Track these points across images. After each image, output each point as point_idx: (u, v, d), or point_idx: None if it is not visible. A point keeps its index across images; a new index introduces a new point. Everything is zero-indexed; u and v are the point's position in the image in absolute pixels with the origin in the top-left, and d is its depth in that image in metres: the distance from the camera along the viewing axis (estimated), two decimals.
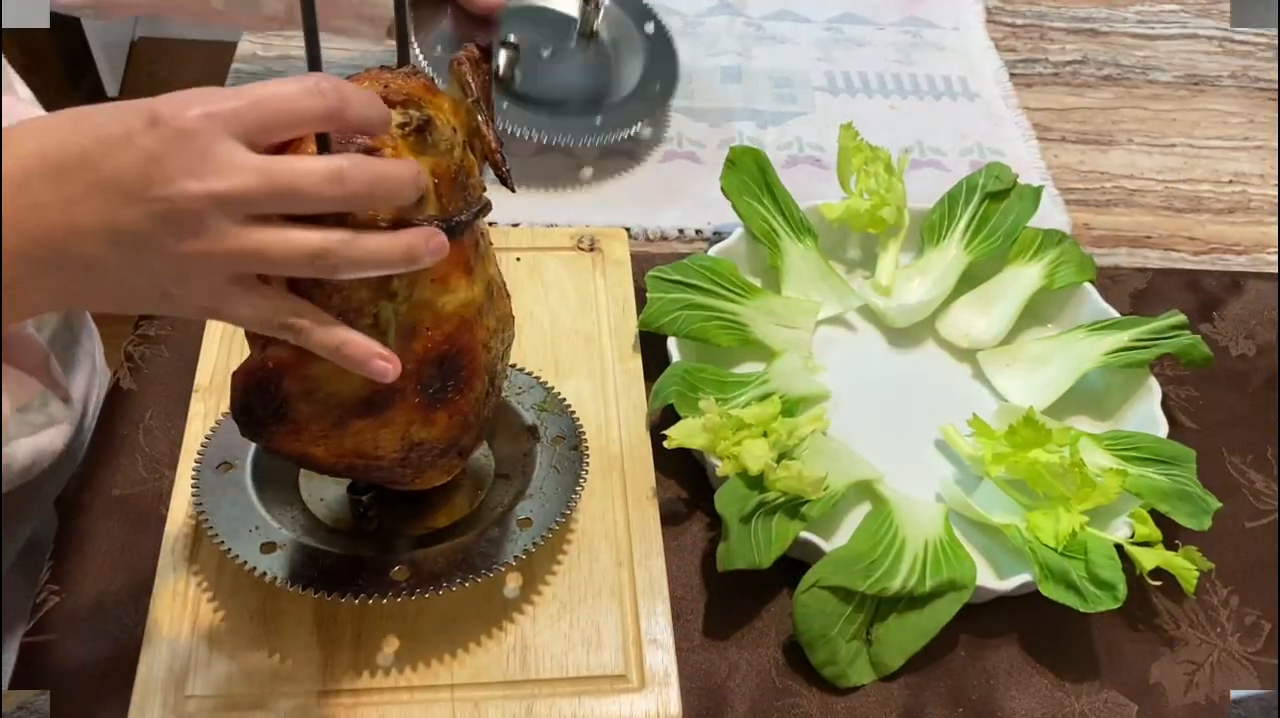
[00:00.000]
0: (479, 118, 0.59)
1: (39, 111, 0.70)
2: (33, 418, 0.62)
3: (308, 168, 0.47)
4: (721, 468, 0.73)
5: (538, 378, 0.78)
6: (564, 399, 0.77)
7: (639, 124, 1.01)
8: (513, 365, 0.78)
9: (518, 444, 0.74)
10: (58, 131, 0.47)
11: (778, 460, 0.74)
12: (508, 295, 0.65)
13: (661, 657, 0.69)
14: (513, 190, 0.64)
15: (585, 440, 0.74)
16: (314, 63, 0.50)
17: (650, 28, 1.08)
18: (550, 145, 0.97)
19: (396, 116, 0.55)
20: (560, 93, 1.01)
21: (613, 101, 1.02)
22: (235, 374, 0.57)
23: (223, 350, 0.81)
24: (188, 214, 0.46)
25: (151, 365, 0.82)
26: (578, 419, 0.75)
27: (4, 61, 0.68)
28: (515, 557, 0.66)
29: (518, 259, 0.89)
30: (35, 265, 0.48)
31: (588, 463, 0.73)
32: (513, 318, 0.65)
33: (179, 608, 0.68)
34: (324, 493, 0.70)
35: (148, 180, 0.45)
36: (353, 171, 0.48)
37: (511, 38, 0.98)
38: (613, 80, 1.04)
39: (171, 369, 0.82)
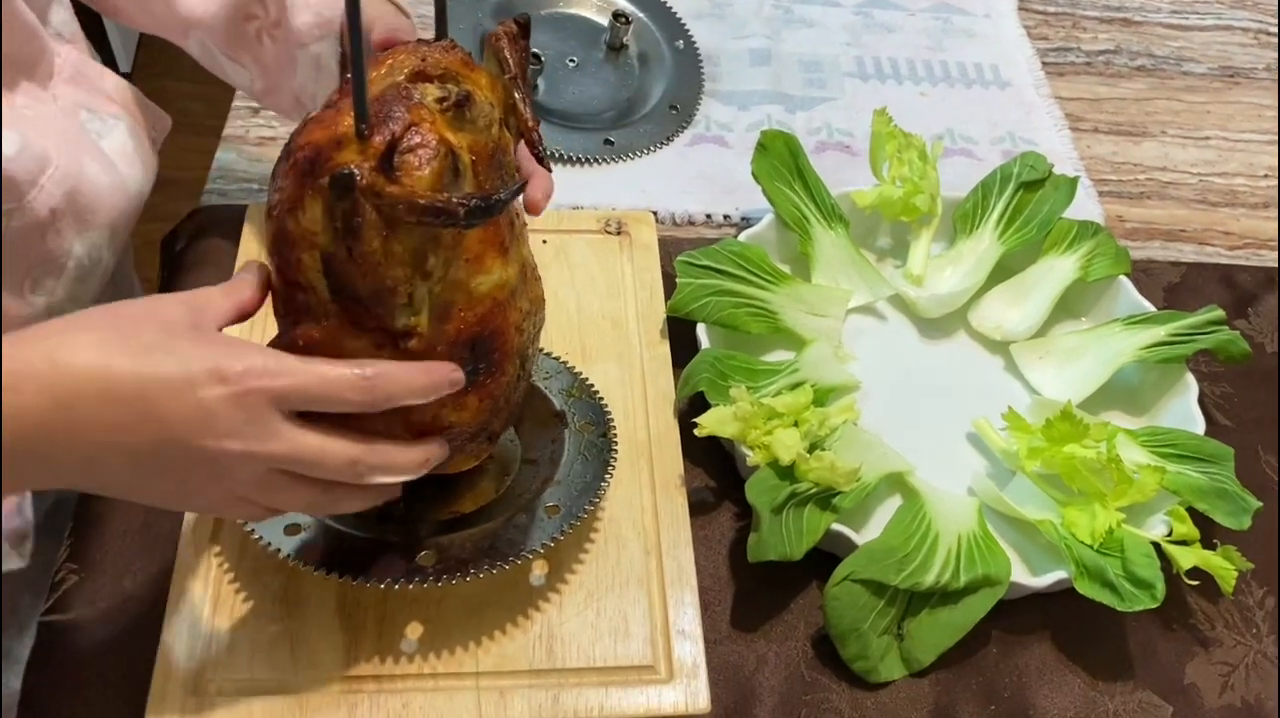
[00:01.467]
0: (516, 95, 0.58)
1: (73, 50, 0.69)
2: None
3: (330, 449, 0.52)
4: (752, 458, 0.72)
5: (565, 363, 0.77)
6: (592, 385, 0.75)
7: (650, 147, 1.00)
8: (540, 349, 0.77)
9: (545, 430, 0.73)
10: (120, 359, 0.48)
11: (809, 451, 0.72)
12: (539, 278, 0.63)
13: (690, 648, 0.67)
14: (549, 171, 0.62)
15: (614, 427, 0.73)
16: (357, 56, 0.49)
17: (680, 44, 1.07)
18: (563, 158, 0.97)
19: (434, 91, 0.53)
20: (581, 105, 1.01)
21: (631, 119, 1.01)
22: None
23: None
24: (224, 465, 0.51)
25: None
26: (606, 405, 0.74)
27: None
28: (543, 544, 0.65)
29: (544, 241, 0.88)
30: (59, 469, 0.50)
31: (616, 450, 0.71)
32: (544, 300, 0.64)
33: (200, 589, 0.67)
34: None
35: (200, 432, 0.49)
36: (376, 398, 0.52)
37: (536, 50, 0.99)
38: (634, 96, 1.04)
39: None
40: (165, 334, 0.50)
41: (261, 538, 0.64)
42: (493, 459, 0.71)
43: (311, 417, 0.52)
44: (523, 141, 0.60)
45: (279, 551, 0.63)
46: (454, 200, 0.50)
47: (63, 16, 0.68)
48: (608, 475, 0.70)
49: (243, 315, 0.55)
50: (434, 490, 0.68)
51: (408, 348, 0.54)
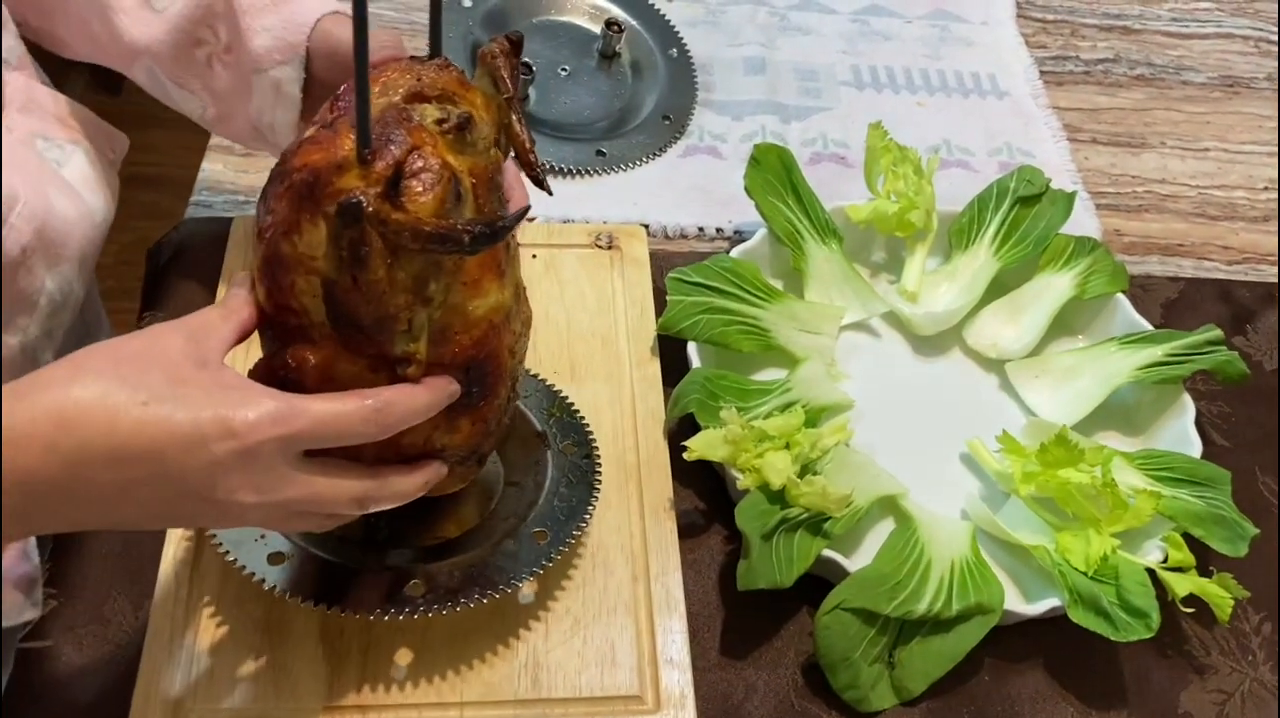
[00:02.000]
0: (512, 115, 0.56)
1: (22, 77, 0.67)
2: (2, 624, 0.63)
3: (341, 488, 0.53)
4: (742, 481, 0.71)
5: (543, 380, 0.76)
6: (571, 403, 0.75)
7: (643, 158, 0.99)
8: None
9: (528, 451, 0.72)
10: (128, 415, 0.47)
11: (800, 474, 0.71)
12: (528, 298, 0.62)
13: (678, 678, 0.66)
14: (549, 194, 0.61)
15: (597, 448, 0.72)
16: (361, 79, 0.48)
17: (674, 53, 1.06)
18: (554, 169, 0.95)
19: (433, 112, 0.52)
20: (573, 115, 0.99)
21: (624, 129, 1.00)
22: (252, 373, 0.54)
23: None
24: (236, 514, 0.51)
25: None
26: (587, 425, 0.73)
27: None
28: (531, 572, 0.64)
29: (534, 256, 0.87)
30: (70, 521, 0.51)
31: (600, 473, 0.70)
32: (531, 321, 0.63)
33: (181, 616, 0.66)
34: None
35: (212, 486, 0.49)
36: (385, 427, 0.52)
37: (527, 60, 0.97)
38: (627, 106, 1.02)
39: None
40: (171, 379, 0.48)
41: (245, 568, 0.63)
42: (475, 482, 0.70)
43: (317, 450, 0.52)
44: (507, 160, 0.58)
45: (263, 581, 0.62)
46: (459, 227, 0.49)
47: (10, 43, 0.66)
48: (593, 499, 0.69)
49: (243, 337, 0.54)
50: (418, 515, 0.67)
51: (405, 374, 0.53)
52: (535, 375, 0.76)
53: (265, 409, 0.49)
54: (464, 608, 0.62)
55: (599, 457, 0.71)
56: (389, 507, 0.56)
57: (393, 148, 0.50)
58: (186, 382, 0.49)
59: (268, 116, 0.71)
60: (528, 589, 0.68)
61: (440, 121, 0.52)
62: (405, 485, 0.56)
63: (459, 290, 0.54)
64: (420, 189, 0.50)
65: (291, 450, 0.50)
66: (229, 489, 0.49)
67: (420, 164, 0.50)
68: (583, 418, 0.74)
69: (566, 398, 0.75)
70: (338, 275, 0.51)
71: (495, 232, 0.49)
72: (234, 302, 0.54)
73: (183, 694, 0.63)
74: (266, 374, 0.54)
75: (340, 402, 0.51)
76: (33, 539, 0.59)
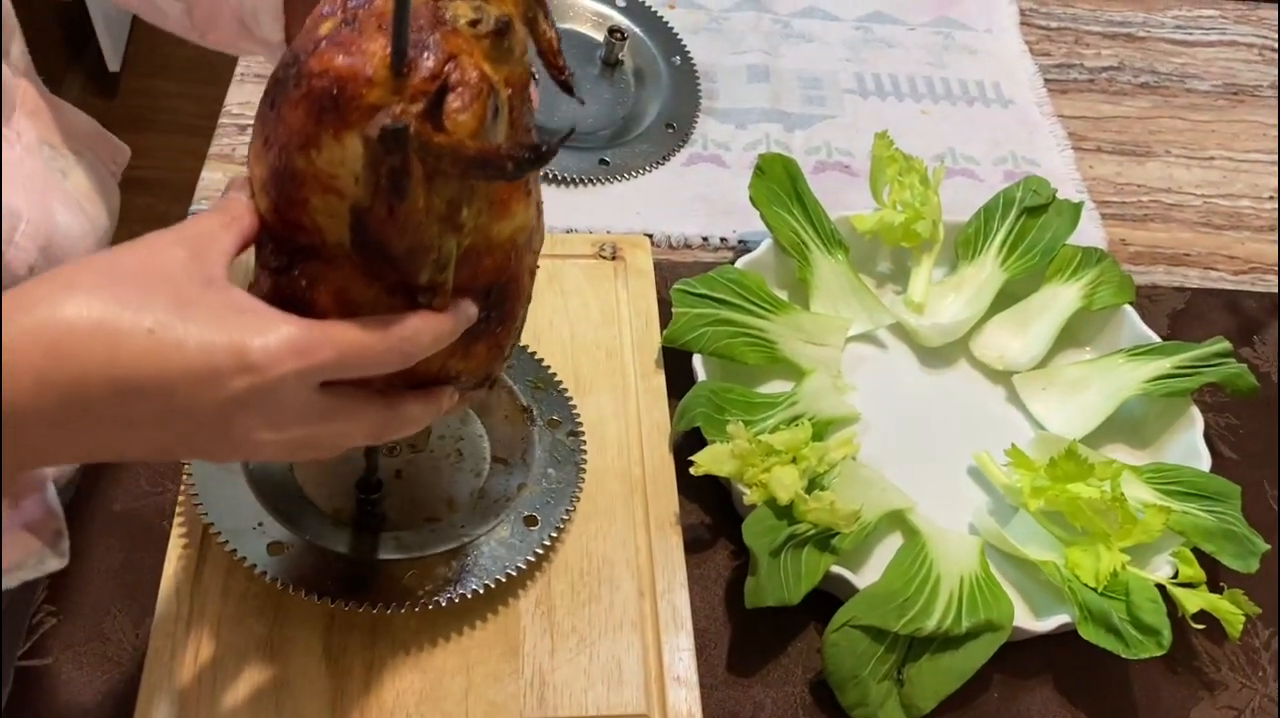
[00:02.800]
0: (539, 12, 0.52)
1: (29, 84, 0.65)
2: (23, 574, 0.60)
3: (359, 421, 0.49)
4: (749, 496, 0.70)
5: (525, 348, 0.77)
6: (555, 375, 0.76)
7: (646, 167, 0.98)
8: None
9: (513, 426, 0.73)
10: (131, 344, 0.42)
11: (808, 489, 0.71)
12: (543, 213, 0.57)
13: (685, 696, 0.66)
14: (581, 102, 0.58)
15: (581, 425, 0.73)
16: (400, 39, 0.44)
17: (677, 60, 1.05)
18: (557, 179, 0.95)
19: (466, 11, 0.46)
20: (574, 123, 0.98)
21: (627, 138, 0.99)
22: (253, 289, 0.50)
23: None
24: (251, 448, 0.47)
25: None
26: (571, 399, 0.75)
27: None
28: (526, 560, 0.66)
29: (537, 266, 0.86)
30: (72, 456, 0.46)
31: (585, 451, 0.72)
32: (544, 238, 0.58)
33: (182, 633, 0.65)
34: (320, 478, 0.68)
35: (226, 424, 0.45)
36: (410, 356, 0.49)
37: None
38: (630, 114, 1.02)
39: None
40: (177, 301, 0.43)
41: (246, 559, 0.63)
42: (463, 458, 0.71)
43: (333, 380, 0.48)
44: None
45: (267, 573, 0.62)
46: (503, 151, 0.44)
47: (19, 49, 0.64)
48: (580, 481, 0.70)
49: (244, 248, 0.49)
50: (409, 495, 0.68)
51: (429, 304, 0.49)
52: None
53: (284, 338, 0.44)
54: (461, 600, 0.63)
55: (584, 435, 0.73)
56: (403, 436, 0.53)
57: (428, 57, 0.44)
58: (194, 303, 0.43)
59: (250, 3, 0.64)
60: (527, 608, 0.68)
61: (474, 23, 0.46)
62: (420, 414, 0.52)
63: (486, 211, 0.49)
64: (459, 106, 0.44)
65: (310, 383, 0.46)
66: (245, 426, 0.45)
67: (458, 76, 0.44)
68: (565, 390, 0.75)
69: (549, 367, 0.76)
70: (372, 203, 0.45)
71: (540, 156, 0.44)
72: (234, 208, 0.49)
73: (184, 713, 0.62)
74: (272, 294, 0.49)
75: (365, 331, 0.46)
76: (52, 488, 0.55)
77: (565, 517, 0.68)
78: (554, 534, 0.67)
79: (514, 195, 0.50)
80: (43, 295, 0.42)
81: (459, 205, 0.47)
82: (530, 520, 0.68)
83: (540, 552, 0.66)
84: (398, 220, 0.45)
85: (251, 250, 0.50)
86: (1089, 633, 0.68)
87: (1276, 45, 1.21)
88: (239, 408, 0.44)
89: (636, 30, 1.06)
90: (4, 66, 0.61)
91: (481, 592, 0.64)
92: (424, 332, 0.48)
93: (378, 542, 0.66)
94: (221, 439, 0.46)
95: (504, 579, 0.65)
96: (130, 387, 0.42)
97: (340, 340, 0.46)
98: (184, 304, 0.43)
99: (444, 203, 0.46)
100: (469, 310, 0.51)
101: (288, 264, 0.49)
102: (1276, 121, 1.13)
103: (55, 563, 0.58)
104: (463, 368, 0.54)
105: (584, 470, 0.71)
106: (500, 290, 0.52)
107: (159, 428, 0.44)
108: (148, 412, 0.43)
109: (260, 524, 0.64)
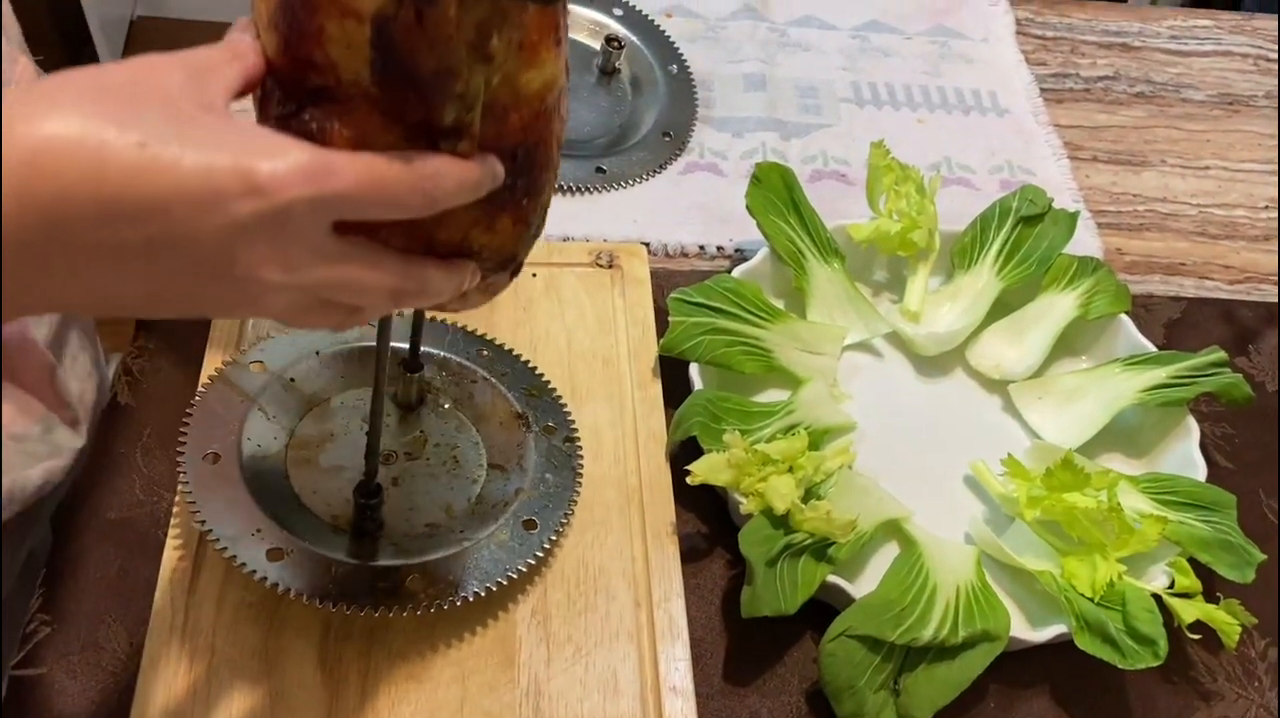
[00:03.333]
0: None
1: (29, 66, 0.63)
2: (33, 447, 0.56)
3: (374, 279, 0.45)
4: (746, 506, 0.70)
5: (519, 357, 0.77)
6: (549, 382, 0.76)
7: (643, 175, 0.98)
8: (500, 344, 0.78)
9: (508, 432, 0.73)
10: (119, 158, 0.37)
11: (804, 498, 0.71)
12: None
13: (681, 706, 0.66)
14: None
15: (576, 431, 0.74)
16: None
17: (674, 69, 1.05)
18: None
19: None
20: (573, 131, 0.99)
21: (624, 146, 0.99)
22: None
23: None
24: (255, 293, 0.42)
25: (151, 380, 0.79)
26: (565, 405, 0.75)
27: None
28: (525, 563, 0.66)
29: (534, 274, 0.86)
30: (58, 296, 0.41)
31: (582, 457, 0.73)
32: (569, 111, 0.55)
33: (176, 643, 0.65)
34: (316, 485, 0.68)
35: (231, 257, 0.40)
36: (434, 199, 0.44)
37: None
38: (627, 122, 1.02)
39: (172, 384, 0.78)
40: (172, 118, 0.39)
41: (245, 565, 0.62)
42: (459, 465, 0.71)
43: (348, 228, 0.44)
44: None
45: (267, 579, 0.62)
46: None
47: (25, 62, 0.65)
48: (577, 486, 0.71)
49: (248, 87, 0.44)
50: (406, 502, 0.68)
51: (454, 150, 0.45)
52: (510, 351, 0.77)
53: (295, 160, 0.39)
54: (464, 603, 0.63)
55: (579, 441, 0.73)
56: (422, 305, 0.50)
57: None
58: (192, 121, 0.39)
59: None
60: (523, 613, 0.68)
61: None
62: (441, 283, 0.48)
63: (516, 56, 0.46)
64: None
65: (325, 218, 0.42)
66: (251, 262, 0.40)
67: None
68: (559, 397, 0.76)
69: (542, 375, 0.77)
70: (398, 10, 0.42)
71: None
72: (238, 45, 0.44)
73: None
74: None
75: (385, 163, 0.42)
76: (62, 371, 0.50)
77: (564, 520, 0.69)
78: (553, 537, 0.68)
79: (544, 40, 0.46)
80: (18, 111, 0.37)
81: (489, 31, 0.43)
82: (529, 524, 0.68)
83: (540, 554, 0.67)
84: (426, 30, 0.42)
85: None
86: (1085, 643, 0.68)
87: (1274, 56, 1.21)
88: (244, 237, 0.39)
89: (633, 39, 1.07)
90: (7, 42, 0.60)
91: (484, 594, 0.64)
92: (448, 174, 0.44)
93: (377, 547, 0.66)
94: (225, 279, 0.41)
95: (505, 583, 0.65)
96: (120, 208, 0.38)
97: (358, 169, 0.41)
98: (181, 121, 0.39)
99: (473, 24, 0.43)
100: (496, 167, 0.47)
101: (296, 109, 0.45)
102: (1276, 131, 1.13)
103: (64, 435, 0.52)
104: (486, 242, 0.50)
105: (580, 475, 0.72)
106: (528, 154, 0.49)
107: (152, 262, 0.39)
108: (139, 240, 0.38)
109: (259, 531, 0.64)
